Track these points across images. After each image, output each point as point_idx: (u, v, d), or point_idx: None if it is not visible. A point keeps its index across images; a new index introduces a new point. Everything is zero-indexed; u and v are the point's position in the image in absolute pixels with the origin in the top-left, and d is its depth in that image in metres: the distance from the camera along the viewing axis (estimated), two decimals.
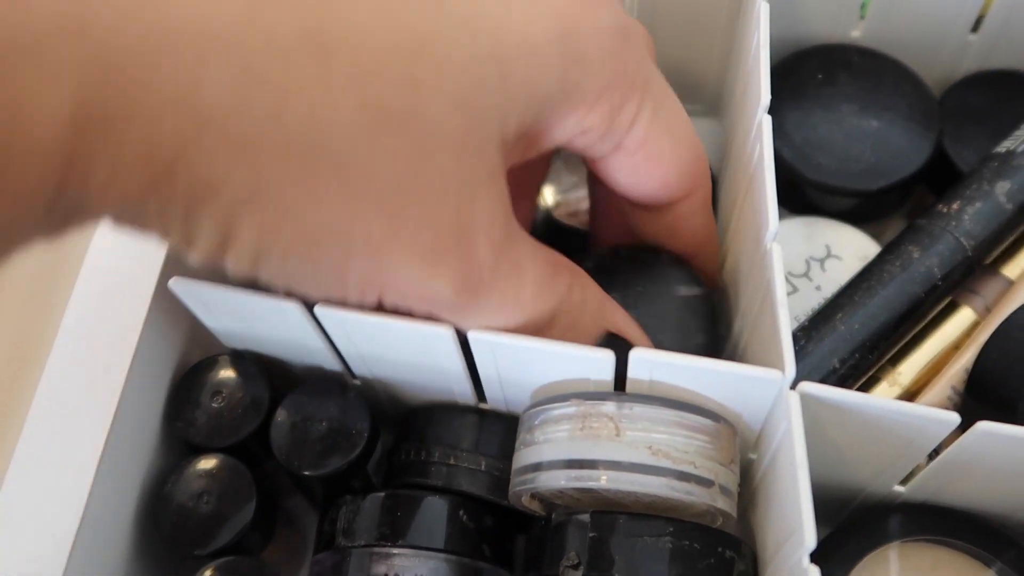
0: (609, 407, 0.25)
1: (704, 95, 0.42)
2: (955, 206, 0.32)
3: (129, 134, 0.17)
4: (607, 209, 0.32)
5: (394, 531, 0.28)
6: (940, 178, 0.37)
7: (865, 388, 0.32)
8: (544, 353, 0.25)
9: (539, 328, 0.24)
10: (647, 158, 0.25)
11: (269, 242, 0.19)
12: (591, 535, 0.25)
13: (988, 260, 0.33)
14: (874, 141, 0.36)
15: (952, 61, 0.39)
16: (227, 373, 0.30)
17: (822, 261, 0.36)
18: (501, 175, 0.22)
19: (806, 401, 0.25)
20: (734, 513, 0.26)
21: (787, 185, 0.36)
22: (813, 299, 0.35)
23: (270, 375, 0.30)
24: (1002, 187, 0.32)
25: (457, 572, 0.28)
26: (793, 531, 0.23)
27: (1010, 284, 0.33)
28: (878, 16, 0.38)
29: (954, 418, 0.24)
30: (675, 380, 0.25)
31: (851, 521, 0.30)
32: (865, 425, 0.25)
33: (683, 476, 0.25)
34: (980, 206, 0.32)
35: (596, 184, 0.32)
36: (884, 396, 0.32)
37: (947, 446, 0.26)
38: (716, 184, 0.40)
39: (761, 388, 0.25)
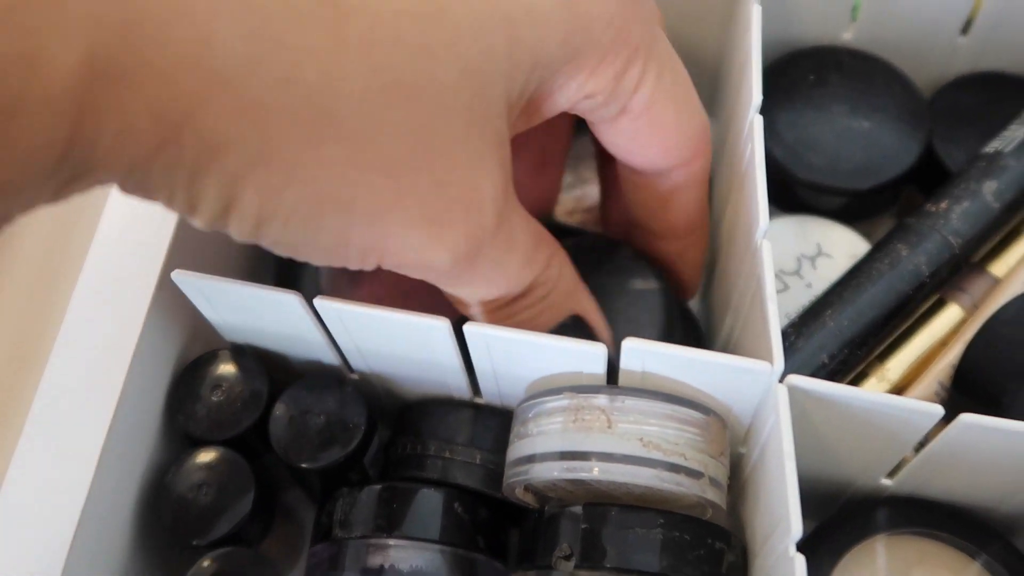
0: (601, 400, 0.26)
1: (699, 95, 0.42)
2: (943, 205, 0.33)
3: (141, 92, 0.16)
4: (617, 190, 0.32)
5: (390, 523, 0.28)
6: (930, 178, 0.37)
7: (854, 383, 0.33)
8: (538, 347, 0.25)
9: (515, 298, 0.24)
10: (650, 123, 0.25)
11: (273, 206, 0.19)
12: (583, 527, 0.26)
13: (976, 258, 0.34)
14: (865, 141, 0.37)
15: (942, 63, 0.39)
16: (227, 367, 0.30)
17: (813, 259, 0.36)
18: (506, 142, 0.22)
19: (794, 394, 0.25)
20: (724, 505, 0.27)
21: (779, 184, 0.37)
22: (804, 296, 0.35)
23: (269, 370, 0.30)
24: (989, 187, 0.33)
25: (452, 563, 0.28)
26: (780, 521, 0.23)
27: (997, 282, 0.34)
28: (869, 18, 0.38)
29: (938, 410, 0.24)
30: (666, 371, 0.26)
31: (839, 514, 0.30)
32: (852, 418, 0.26)
33: (673, 468, 0.25)
34: (968, 205, 0.33)
35: (607, 164, 0.32)
36: (873, 391, 0.32)
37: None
38: (710, 183, 0.41)
39: (750, 380, 0.25)
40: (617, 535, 0.25)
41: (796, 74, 0.38)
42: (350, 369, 0.31)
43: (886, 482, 0.30)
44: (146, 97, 0.17)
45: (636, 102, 0.25)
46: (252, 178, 0.18)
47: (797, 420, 0.25)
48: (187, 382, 0.30)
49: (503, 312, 0.25)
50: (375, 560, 0.28)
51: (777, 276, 0.36)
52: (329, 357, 0.30)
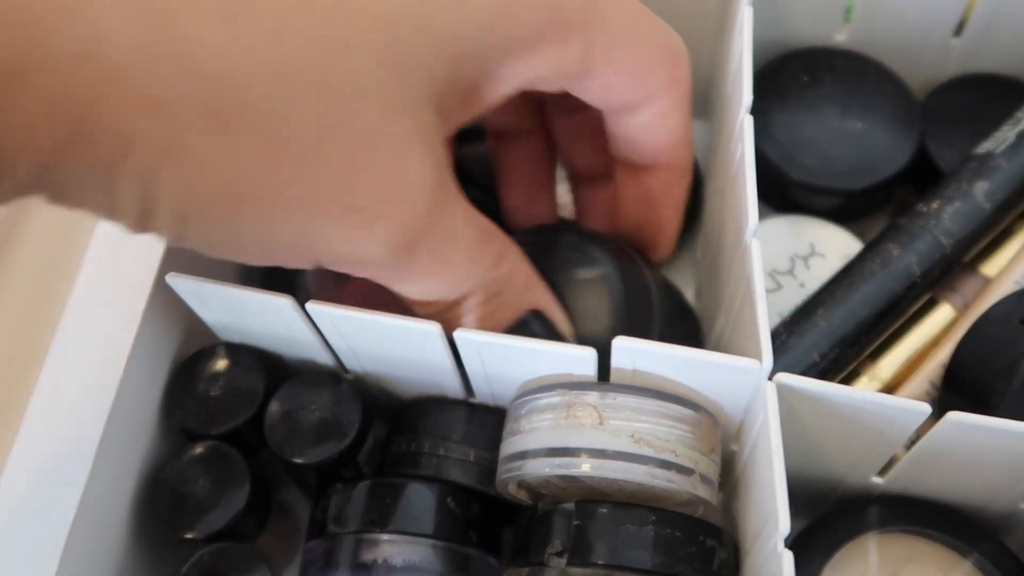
0: (593, 397, 0.26)
1: (693, 97, 0.42)
2: (935, 205, 0.33)
3: (38, 87, 0.17)
4: (579, 133, 0.31)
5: (382, 518, 0.28)
6: (923, 178, 0.37)
7: (846, 382, 0.33)
8: (529, 352, 0.26)
9: (466, 295, 0.24)
10: (617, 72, 0.25)
11: (190, 204, 0.19)
12: (575, 523, 0.26)
13: (967, 258, 0.34)
14: (858, 142, 0.37)
15: (935, 64, 0.39)
16: (224, 363, 0.30)
17: (806, 259, 0.37)
18: (435, 134, 0.22)
19: (783, 392, 0.25)
20: (715, 502, 0.27)
21: (772, 184, 0.37)
22: (797, 296, 0.35)
23: (265, 367, 0.31)
24: (981, 187, 0.33)
25: (445, 558, 0.28)
26: (769, 518, 0.24)
27: (988, 282, 0.34)
28: (863, 20, 0.38)
29: (925, 408, 0.25)
30: (657, 369, 0.26)
31: (831, 512, 0.30)
32: (840, 415, 0.26)
33: (664, 464, 0.25)
34: (959, 205, 0.33)
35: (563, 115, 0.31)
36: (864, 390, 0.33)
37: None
38: (703, 183, 0.41)
39: (740, 378, 0.25)
40: (609, 532, 0.25)
41: (790, 75, 0.39)
42: (345, 370, 0.31)
43: (877, 480, 0.30)
44: (44, 92, 0.17)
45: (591, 64, 0.24)
46: (165, 175, 0.18)
47: (786, 418, 0.25)
48: (185, 376, 0.30)
49: (457, 311, 0.25)
50: (369, 555, 0.28)
51: (771, 275, 0.36)
52: (323, 358, 0.30)
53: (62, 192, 0.19)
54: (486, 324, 0.25)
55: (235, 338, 0.31)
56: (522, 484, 0.28)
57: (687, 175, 0.30)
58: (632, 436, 0.25)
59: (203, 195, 0.19)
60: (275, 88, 0.19)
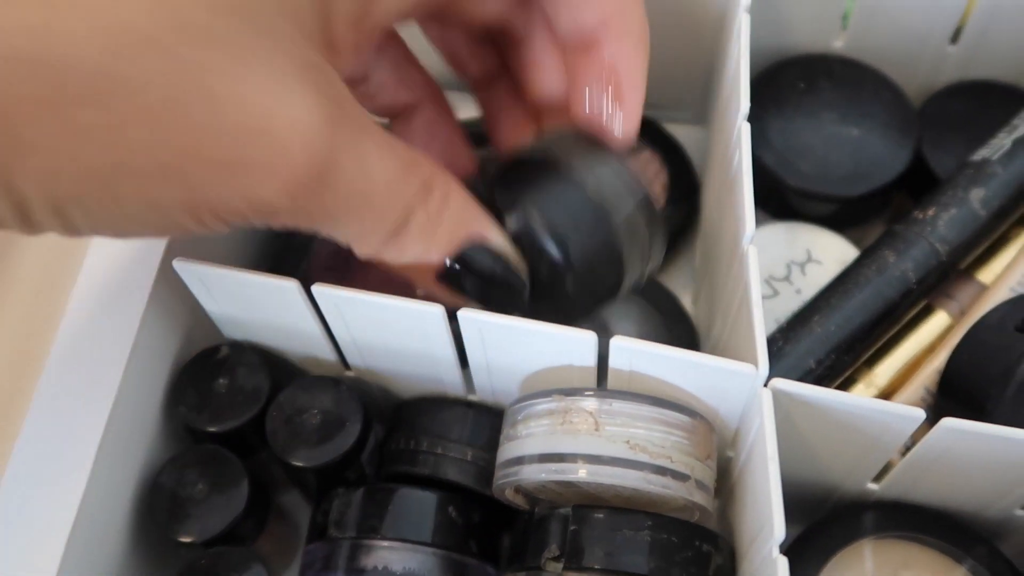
0: (589, 403, 0.26)
1: (691, 104, 0.43)
2: (931, 212, 0.33)
3: None
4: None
5: (383, 524, 0.28)
6: (919, 185, 0.37)
7: (842, 389, 0.33)
8: (529, 333, 0.26)
9: (394, 230, 0.23)
10: None
11: (58, 193, 0.19)
12: (572, 528, 0.26)
13: (963, 265, 0.34)
14: (854, 148, 0.37)
15: (932, 71, 0.40)
16: (231, 360, 0.31)
17: (803, 265, 0.37)
18: (319, 67, 0.21)
19: (778, 397, 0.25)
20: (711, 507, 0.27)
21: (769, 191, 0.37)
22: (794, 302, 0.36)
23: (269, 365, 0.31)
24: (977, 194, 0.33)
25: (444, 566, 0.29)
26: (765, 523, 0.24)
27: (984, 288, 0.34)
28: (859, 27, 0.39)
29: (919, 414, 0.25)
30: (654, 371, 0.26)
31: (827, 517, 0.31)
32: (836, 421, 0.26)
33: (660, 470, 0.26)
34: (955, 212, 0.33)
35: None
36: (859, 396, 0.33)
37: None
38: (700, 189, 0.41)
39: (736, 382, 0.26)
40: (605, 537, 0.26)
41: (787, 82, 0.39)
42: (346, 365, 0.32)
43: (872, 486, 0.30)
44: None
45: None
46: (18, 171, 0.18)
47: (782, 424, 0.26)
48: (189, 374, 0.30)
49: (391, 247, 0.23)
50: (367, 561, 0.28)
51: (767, 282, 0.36)
52: (326, 351, 0.31)
53: None
54: (424, 258, 0.24)
55: (238, 333, 0.31)
56: (519, 489, 0.28)
57: (643, 46, 0.27)
58: (628, 442, 0.26)
59: (68, 180, 0.19)
60: (105, 59, 0.18)
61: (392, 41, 0.28)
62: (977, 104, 0.39)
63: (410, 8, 0.24)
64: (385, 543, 0.28)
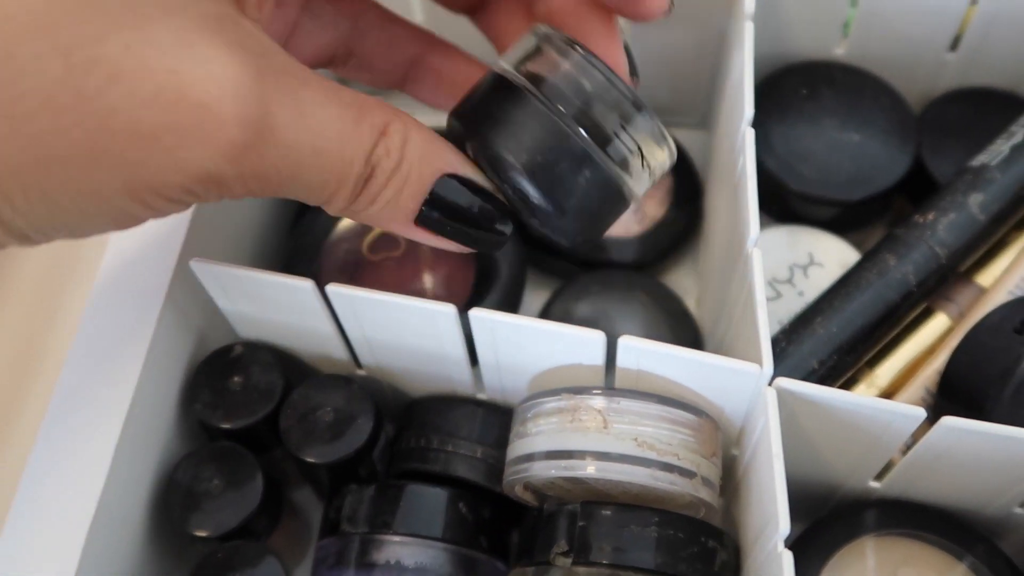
0: (598, 401, 0.27)
1: (696, 109, 0.43)
2: (930, 216, 0.34)
3: None
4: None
5: (395, 520, 0.29)
6: (919, 189, 0.38)
7: (844, 389, 0.34)
8: (538, 332, 0.26)
9: (360, 180, 0.22)
10: None
11: None
12: (580, 524, 0.26)
13: (962, 268, 0.35)
14: (855, 153, 0.38)
15: (931, 78, 0.40)
16: (243, 360, 0.31)
17: (805, 268, 0.37)
18: (230, 20, 0.20)
19: (783, 396, 0.26)
20: (716, 504, 0.28)
21: (772, 195, 0.38)
22: (796, 304, 0.36)
23: (283, 364, 0.31)
24: (975, 199, 0.34)
25: (454, 562, 0.29)
26: (770, 519, 0.24)
27: (982, 291, 0.34)
28: (861, 35, 0.39)
29: (920, 413, 0.25)
30: (661, 370, 0.27)
31: (830, 515, 0.31)
32: (838, 420, 0.27)
33: (667, 467, 0.26)
34: (954, 217, 0.34)
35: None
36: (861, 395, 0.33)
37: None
38: (702, 193, 0.42)
39: (741, 381, 0.26)
40: (613, 533, 0.26)
41: (789, 88, 0.40)
42: (358, 364, 0.32)
43: (874, 484, 0.31)
44: None
45: None
46: None
47: (786, 422, 0.26)
48: (206, 371, 0.31)
49: (362, 199, 0.22)
50: (380, 555, 0.29)
51: (770, 284, 0.37)
52: (339, 350, 0.31)
53: None
54: (396, 204, 0.23)
55: (252, 333, 0.32)
56: (528, 486, 0.29)
57: None
58: (636, 440, 0.26)
59: (4, 187, 0.18)
60: None
61: (364, 9, 0.27)
62: (976, 111, 0.39)
63: None
64: (397, 538, 0.29)
